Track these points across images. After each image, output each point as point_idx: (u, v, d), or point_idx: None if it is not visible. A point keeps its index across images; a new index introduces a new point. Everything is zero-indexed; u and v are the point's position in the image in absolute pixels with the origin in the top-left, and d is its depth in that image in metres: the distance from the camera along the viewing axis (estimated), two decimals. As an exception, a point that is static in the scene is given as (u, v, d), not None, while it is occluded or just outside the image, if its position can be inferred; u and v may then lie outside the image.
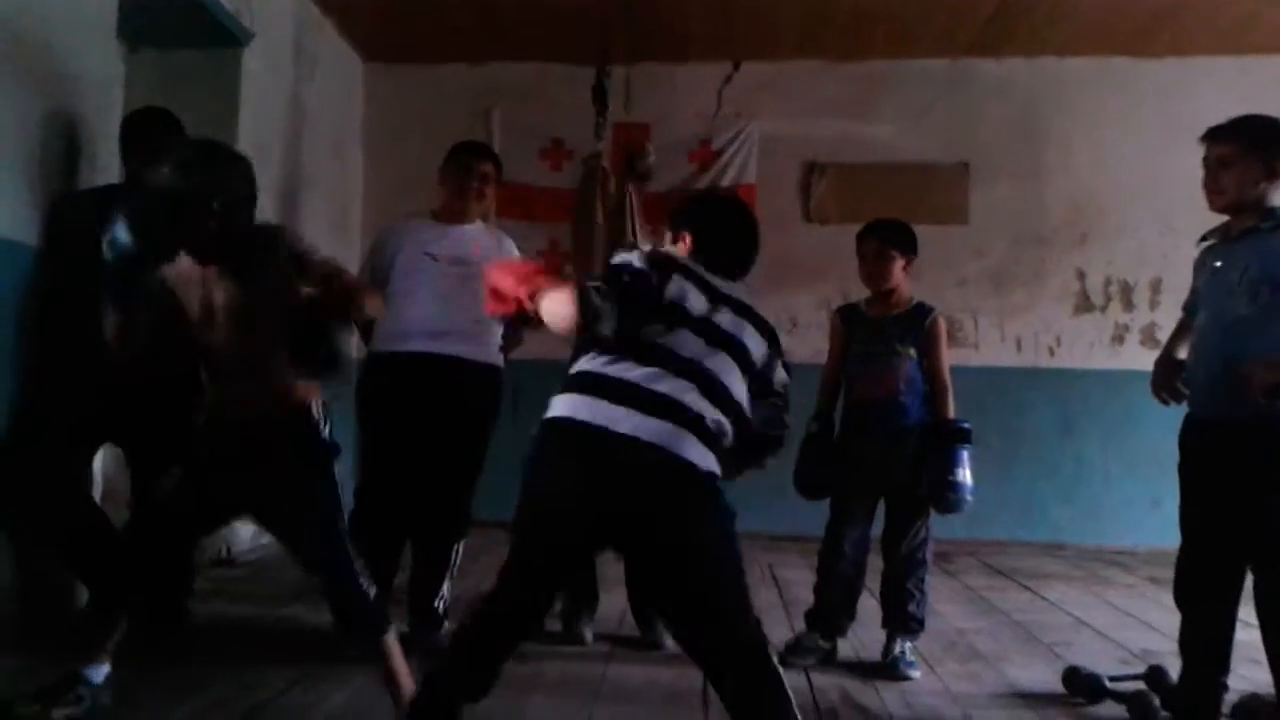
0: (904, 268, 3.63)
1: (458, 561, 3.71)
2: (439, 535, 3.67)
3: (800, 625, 3.67)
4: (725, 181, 6.77)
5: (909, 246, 3.63)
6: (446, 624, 3.62)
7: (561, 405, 2.22)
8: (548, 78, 6.80)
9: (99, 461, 3.71)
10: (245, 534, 5.19)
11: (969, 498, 3.44)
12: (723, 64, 6.80)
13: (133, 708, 2.79)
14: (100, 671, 2.63)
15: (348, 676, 3.06)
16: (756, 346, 2.35)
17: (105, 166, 3.77)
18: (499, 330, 3.79)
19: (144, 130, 3.53)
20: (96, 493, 3.69)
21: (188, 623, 3.51)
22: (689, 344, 2.22)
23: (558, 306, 2.17)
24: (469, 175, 3.79)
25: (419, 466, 3.61)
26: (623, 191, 4.41)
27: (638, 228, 4.55)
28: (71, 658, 2.66)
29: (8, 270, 3.32)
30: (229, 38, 4.99)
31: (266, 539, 5.37)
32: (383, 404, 3.67)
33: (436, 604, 3.64)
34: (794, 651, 3.51)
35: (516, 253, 3.92)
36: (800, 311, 6.66)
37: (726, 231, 2.55)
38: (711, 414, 2.18)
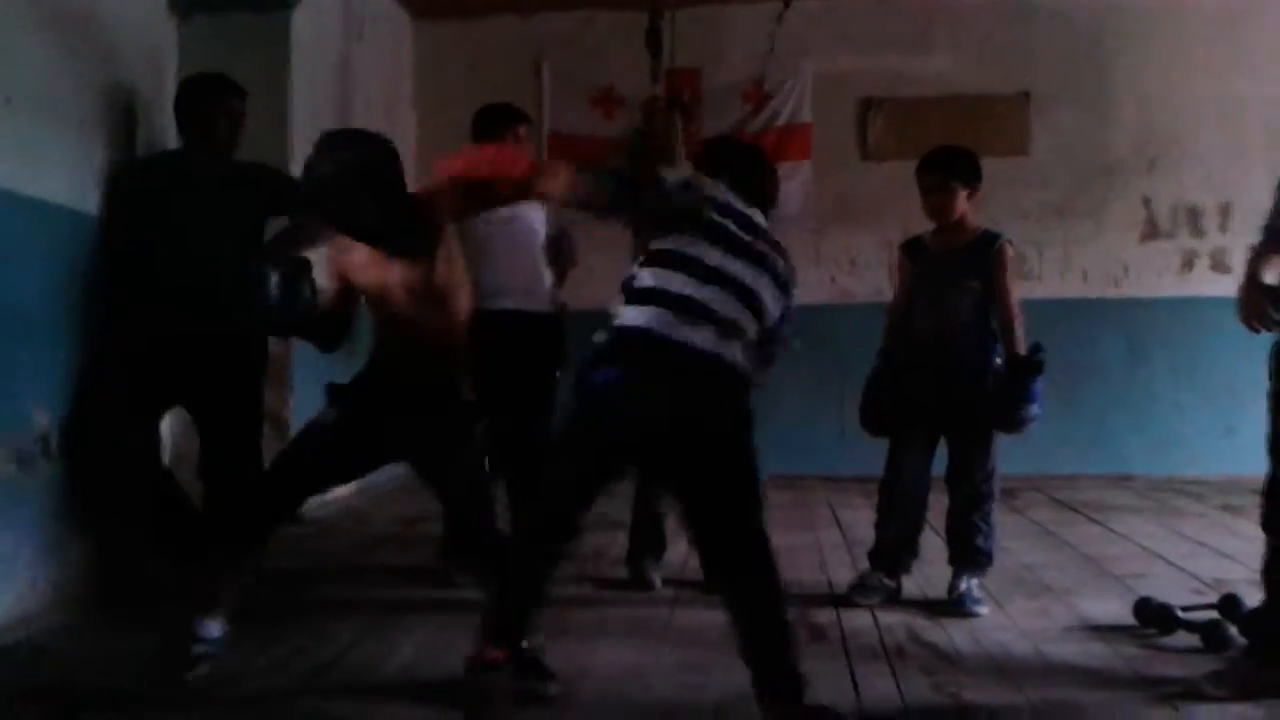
0: (968, 197, 3.53)
1: None
2: (533, 477, 3.77)
3: (864, 565, 3.66)
4: (780, 122, 6.70)
5: (971, 175, 3.53)
6: None
7: (624, 316, 2.45)
8: (596, 25, 6.75)
9: (167, 426, 3.80)
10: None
11: (1035, 420, 3.38)
12: (774, 3, 6.67)
13: (215, 660, 2.88)
14: (215, 627, 2.71)
15: (414, 628, 3.14)
16: (778, 279, 2.60)
17: (161, 134, 3.82)
18: (549, 282, 3.90)
19: (198, 96, 3.58)
20: (165, 457, 3.78)
21: (263, 576, 3.59)
22: (732, 262, 2.46)
23: (564, 176, 2.48)
24: (497, 140, 3.82)
25: (502, 415, 3.67)
26: (671, 131, 4.39)
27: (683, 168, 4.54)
28: (182, 616, 2.74)
29: (69, 238, 3.39)
30: (277, 1, 5.00)
31: (332, 496, 5.49)
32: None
33: None
34: (858, 590, 3.51)
35: None
36: (860, 251, 6.60)
37: (755, 171, 2.76)
38: (748, 321, 2.48)
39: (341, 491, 5.65)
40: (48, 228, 3.25)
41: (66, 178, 3.36)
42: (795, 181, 6.65)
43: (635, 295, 2.47)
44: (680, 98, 4.81)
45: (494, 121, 3.92)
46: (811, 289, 6.60)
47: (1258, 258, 2.77)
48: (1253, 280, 2.71)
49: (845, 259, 6.55)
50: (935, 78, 6.64)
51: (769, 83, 6.72)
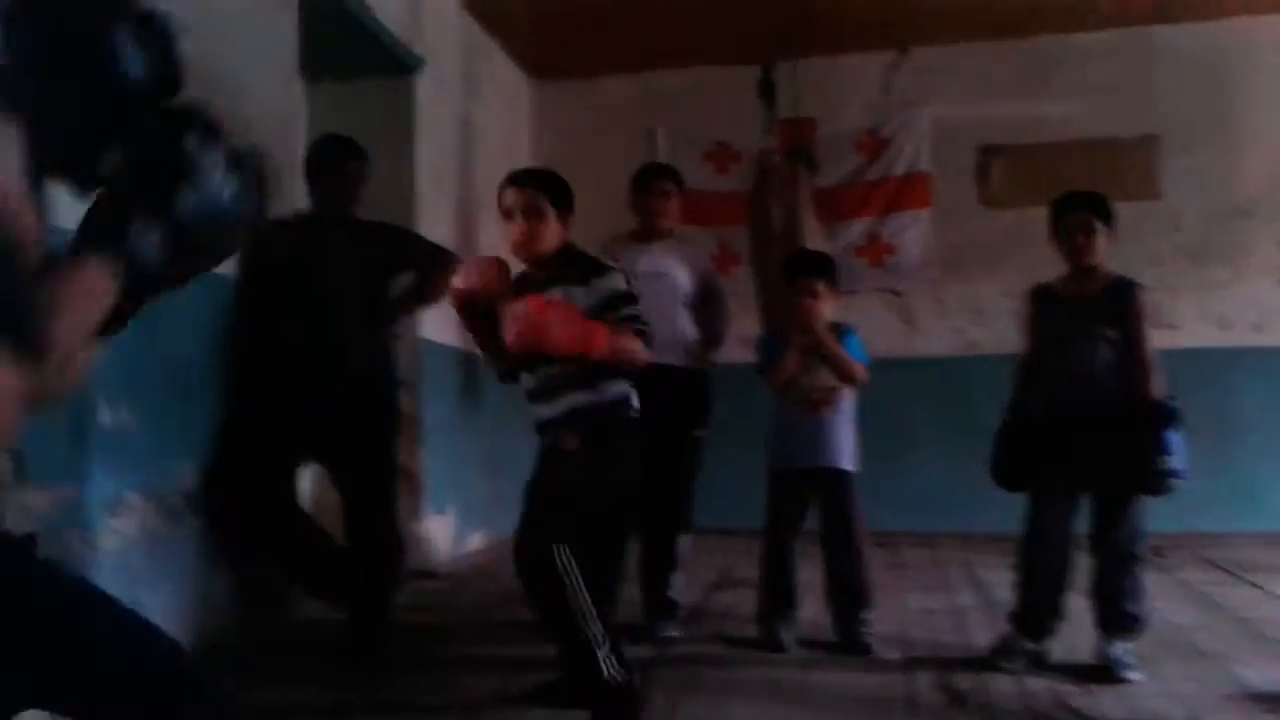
0: (1107, 241, 3.41)
1: (684, 555, 3.93)
2: (667, 530, 3.89)
3: (1005, 627, 3.51)
4: (896, 171, 6.61)
5: (1110, 218, 3.41)
6: (679, 613, 3.91)
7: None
8: (707, 81, 6.77)
9: (306, 482, 3.87)
10: (444, 547, 5.33)
11: (1181, 478, 3.22)
12: (889, 52, 6.63)
13: (355, 712, 2.91)
14: None
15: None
16: None
17: (293, 196, 3.93)
18: (692, 337, 3.93)
19: (322, 158, 3.69)
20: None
21: (395, 633, 3.62)
22: None
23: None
24: (648, 195, 3.96)
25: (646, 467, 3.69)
26: (794, 187, 4.38)
27: (808, 221, 4.53)
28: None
29: (206, 300, 3.48)
30: (402, 66, 5.15)
31: (465, 552, 5.53)
32: None
33: (669, 594, 3.86)
34: (1000, 654, 3.37)
35: (707, 260, 4.29)
36: (984, 300, 6.43)
37: None
38: None
39: (474, 545, 5.70)
40: (186, 290, 3.32)
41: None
42: (915, 231, 6.57)
43: None
44: (802, 148, 4.81)
45: (651, 178, 4.00)
46: (937, 340, 6.51)
47: None
48: None
49: (970, 309, 6.39)
50: (1058, 123, 6.47)
51: (885, 131, 6.65)
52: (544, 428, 2.80)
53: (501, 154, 6.43)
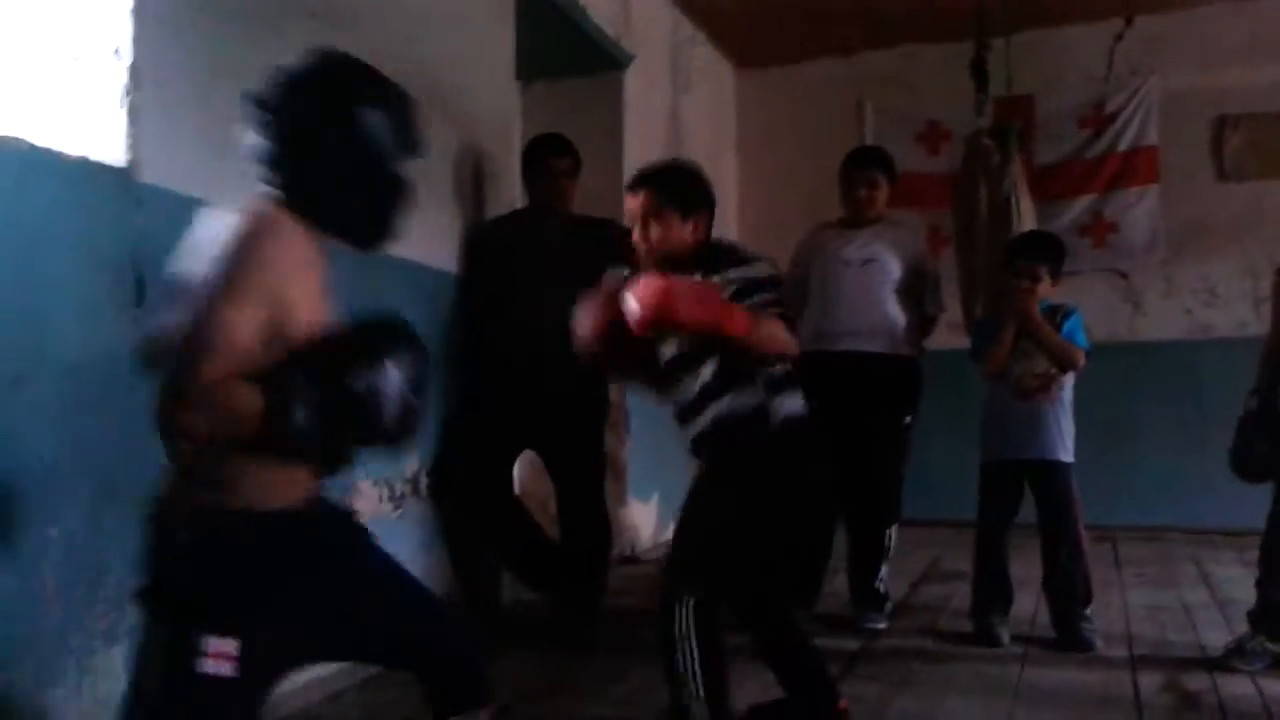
0: None
1: (893, 546, 3.88)
2: (874, 521, 3.84)
3: (1239, 628, 3.33)
4: (1122, 146, 6.27)
5: None
6: (888, 605, 3.87)
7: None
8: (918, 61, 6.61)
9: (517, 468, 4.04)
10: (647, 532, 5.44)
11: None
12: (1113, 21, 6.30)
13: (567, 693, 3.03)
14: None
15: (754, 670, 3.11)
16: None
17: (510, 194, 4.08)
18: (904, 324, 3.86)
19: (534, 155, 3.82)
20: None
21: (605, 616, 3.74)
22: None
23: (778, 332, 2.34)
24: (855, 184, 3.89)
25: (851, 456, 3.71)
26: (1004, 167, 4.24)
27: (1024, 202, 4.37)
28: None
29: (431, 296, 3.65)
30: (612, 62, 5.27)
31: (667, 538, 5.62)
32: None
33: (877, 585, 3.82)
34: (1237, 655, 3.19)
35: (920, 243, 4.19)
36: (1219, 280, 6.05)
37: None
38: None
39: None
40: (411, 286, 3.52)
41: (430, 239, 3.64)
42: (1142, 208, 6.23)
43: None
44: (1008, 126, 4.64)
45: (859, 167, 3.92)
46: (1164, 323, 6.16)
47: None
48: None
49: (1203, 289, 6.02)
50: (1302, 88, 6.00)
51: (1110, 105, 6.32)
52: (691, 447, 2.57)
53: (708, 144, 6.48)
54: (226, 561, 1.60)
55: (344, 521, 1.86)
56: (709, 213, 2.50)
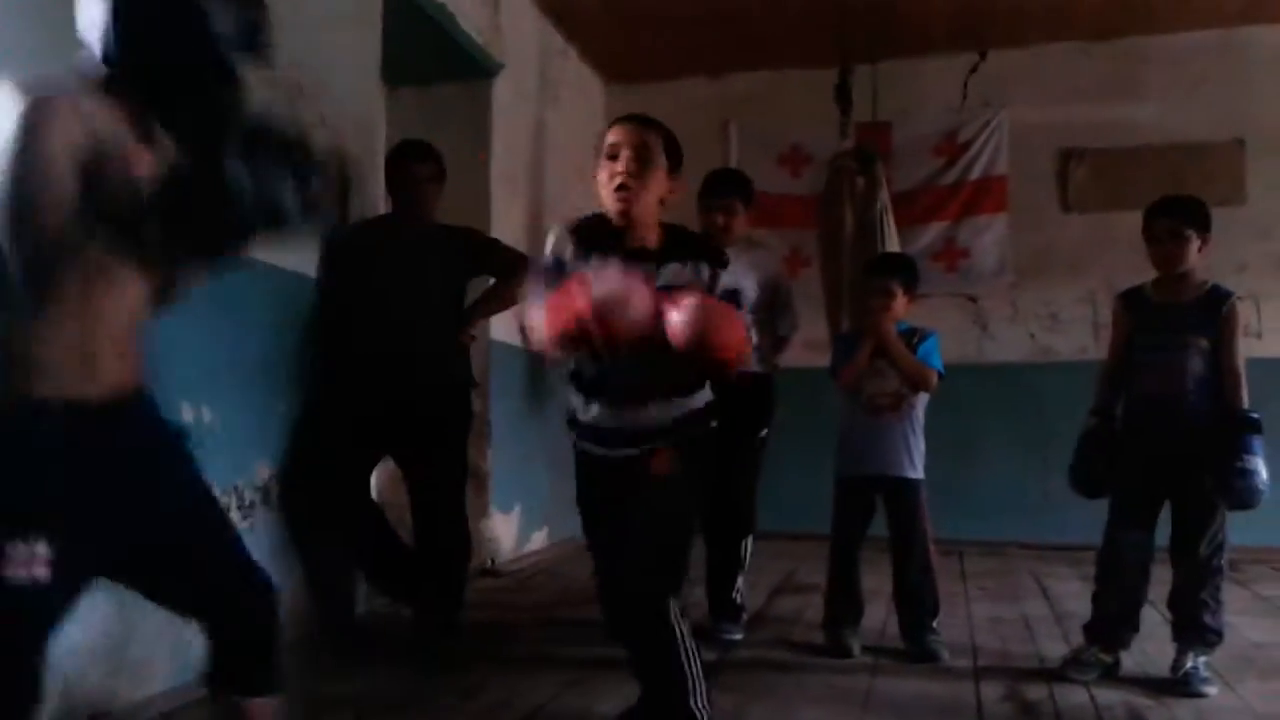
0: (1200, 249, 3.33)
1: (748, 557, 3.93)
2: (730, 533, 3.88)
3: (1075, 639, 3.47)
4: (974, 175, 6.52)
5: (1204, 225, 3.33)
6: (744, 616, 3.91)
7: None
8: (784, 84, 6.75)
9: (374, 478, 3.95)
10: (507, 545, 5.39)
11: (1262, 489, 3.13)
12: (969, 55, 6.56)
13: (421, 708, 2.97)
14: None
15: (616, 684, 3.10)
16: None
17: (373, 200, 4.00)
18: (755, 341, 3.86)
19: (397, 162, 3.75)
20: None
21: (461, 630, 3.68)
22: None
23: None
24: (712, 210, 3.88)
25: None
26: (870, 191, 4.35)
27: (890, 226, 4.49)
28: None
29: (289, 300, 3.57)
30: (480, 70, 5.22)
31: (529, 550, 5.60)
32: None
33: (733, 596, 3.86)
34: (1073, 666, 3.32)
35: (777, 263, 4.23)
36: (1061, 306, 6.34)
37: None
38: None
39: (537, 544, 5.76)
40: (267, 288, 3.42)
41: (287, 242, 3.54)
42: (991, 236, 6.48)
43: None
44: (870, 152, 4.78)
45: (716, 193, 3.92)
46: (1010, 346, 6.42)
47: None
48: None
49: (1046, 313, 6.29)
50: (1142, 126, 6.32)
51: (963, 135, 6.57)
52: (624, 437, 2.40)
53: (574, 158, 6.48)
54: (16, 460, 1.51)
55: (157, 427, 1.72)
56: (680, 181, 2.45)
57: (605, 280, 2.14)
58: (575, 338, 2.18)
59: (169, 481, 1.70)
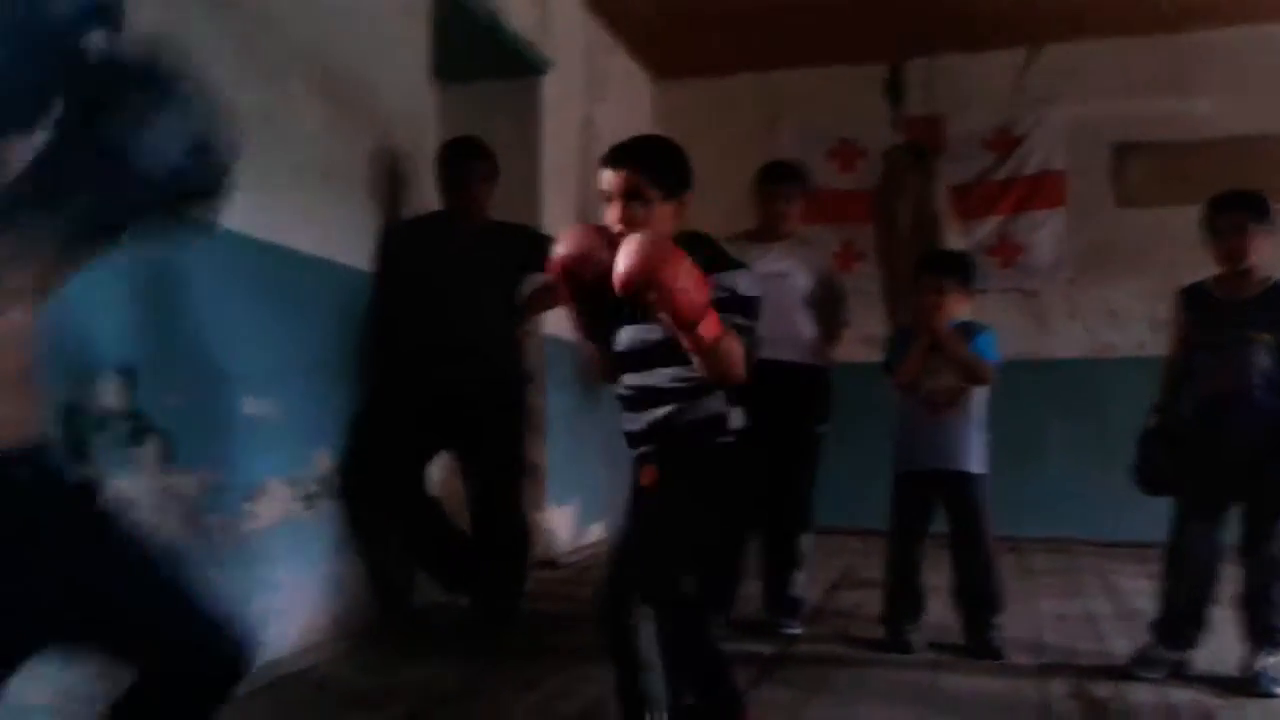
0: (1264, 242, 3.24)
1: (807, 553, 3.91)
2: (789, 528, 3.86)
3: (1142, 637, 3.39)
4: (1028, 170, 6.44)
5: (1268, 220, 3.25)
6: (803, 610, 3.89)
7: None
8: (834, 80, 6.69)
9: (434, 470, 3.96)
10: (565, 537, 5.40)
11: None
12: (1022, 49, 6.47)
13: (480, 698, 2.98)
14: None
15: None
16: None
17: (424, 196, 4.02)
18: (812, 335, 3.89)
19: (450, 159, 3.76)
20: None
21: (521, 621, 3.68)
22: None
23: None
24: (773, 199, 3.90)
25: (770, 464, 3.74)
26: (927, 184, 4.30)
27: (947, 219, 4.44)
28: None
29: (346, 294, 3.60)
30: (529, 67, 5.23)
31: (585, 542, 5.60)
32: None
33: (791, 591, 3.84)
34: (1140, 664, 3.26)
35: (827, 261, 4.22)
36: (1119, 302, 6.23)
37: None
38: None
39: (594, 536, 5.76)
40: (327, 284, 3.46)
41: (344, 237, 3.58)
42: (1047, 230, 6.39)
43: None
44: (923, 145, 4.71)
45: (775, 181, 3.93)
46: (1068, 343, 6.32)
47: None
48: None
49: (1104, 311, 6.19)
50: (1199, 120, 6.20)
51: (1017, 129, 6.48)
52: (629, 442, 2.40)
53: (624, 154, 6.46)
54: None
55: (60, 483, 1.50)
56: (689, 196, 2.33)
57: (569, 238, 2.27)
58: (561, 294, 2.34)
59: (82, 542, 1.48)
